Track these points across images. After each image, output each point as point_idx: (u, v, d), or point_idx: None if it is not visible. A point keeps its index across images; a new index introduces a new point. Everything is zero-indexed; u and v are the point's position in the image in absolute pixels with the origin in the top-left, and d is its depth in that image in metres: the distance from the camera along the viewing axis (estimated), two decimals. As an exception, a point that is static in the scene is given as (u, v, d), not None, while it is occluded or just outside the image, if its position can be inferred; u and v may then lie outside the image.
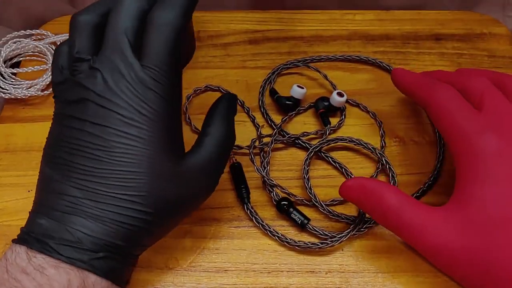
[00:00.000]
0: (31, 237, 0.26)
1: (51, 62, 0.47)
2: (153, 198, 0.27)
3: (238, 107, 0.45)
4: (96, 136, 0.26)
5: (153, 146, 0.27)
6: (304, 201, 0.39)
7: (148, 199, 0.27)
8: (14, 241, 0.27)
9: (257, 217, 0.38)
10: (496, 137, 0.30)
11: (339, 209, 0.38)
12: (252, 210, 0.38)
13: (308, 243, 0.36)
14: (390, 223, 0.32)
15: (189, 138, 0.43)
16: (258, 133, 0.43)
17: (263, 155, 0.41)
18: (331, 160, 0.41)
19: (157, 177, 0.27)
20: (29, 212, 0.28)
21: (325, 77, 0.46)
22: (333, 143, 0.41)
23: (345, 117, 0.44)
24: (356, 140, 0.41)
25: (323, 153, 0.41)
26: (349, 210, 0.39)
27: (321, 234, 0.37)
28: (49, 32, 0.50)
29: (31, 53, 0.49)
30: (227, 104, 0.33)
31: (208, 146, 0.30)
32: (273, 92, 0.45)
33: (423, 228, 0.30)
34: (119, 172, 0.26)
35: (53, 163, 0.28)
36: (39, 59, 0.49)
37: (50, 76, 0.47)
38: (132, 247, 0.28)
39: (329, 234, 0.36)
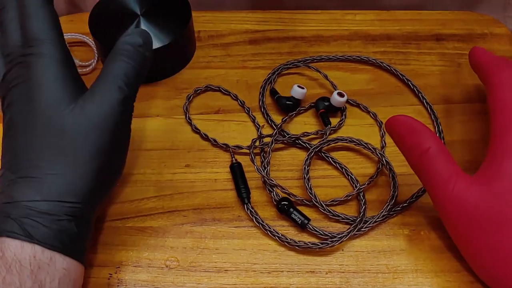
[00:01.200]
0: None
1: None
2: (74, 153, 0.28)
3: (239, 108, 0.45)
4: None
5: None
6: (304, 201, 0.39)
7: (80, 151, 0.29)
8: None
9: (257, 217, 0.38)
10: None
11: (339, 209, 0.38)
12: (252, 210, 0.38)
13: (308, 243, 0.36)
14: (421, 166, 0.33)
15: (189, 138, 0.43)
16: (259, 133, 0.43)
17: (263, 155, 0.41)
18: (331, 160, 0.41)
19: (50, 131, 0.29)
20: None
21: (326, 77, 0.46)
22: (333, 143, 0.41)
23: (345, 117, 0.44)
24: (357, 140, 0.41)
25: (324, 153, 0.41)
26: (349, 210, 0.39)
27: (321, 234, 0.37)
28: (49, 32, 0.50)
29: (32, 53, 0.49)
30: (130, 38, 0.33)
31: (99, 85, 0.32)
32: (273, 92, 0.45)
33: (451, 179, 0.31)
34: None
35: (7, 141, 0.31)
36: (40, 59, 0.49)
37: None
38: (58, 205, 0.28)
39: (329, 234, 0.36)
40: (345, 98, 0.43)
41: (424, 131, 0.33)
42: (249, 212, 0.38)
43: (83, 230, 0.29)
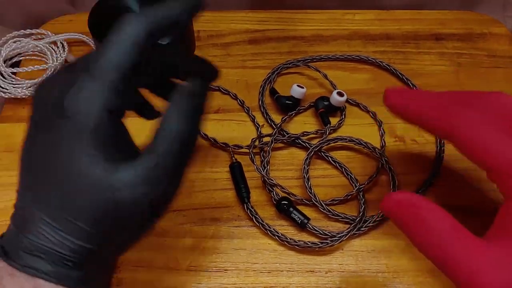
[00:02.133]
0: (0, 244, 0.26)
1: (51, 61, 0.47)
2: (89, 211, 0.25)
3: (239, 107, 0.45)
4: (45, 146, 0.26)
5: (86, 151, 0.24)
6: (304, 200, 0.39)
7: (84, 213, 0.25)
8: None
9: (257, 216, 0.38)
10: None
11: (339, 209, 0.38)
12: (252, 210, 0.38)
13: (308, 243, 0.36)
14: (433, 253, 0.27)
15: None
16: (258, 132, 0.43)
17: (263, 155, 0.41)
18: (331, 160, 0.41)
19: (92, 187, 0.24)
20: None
21: (325, 76, 0.46)
22: (333, 142, 0.41)
23: (345, 116, 0.44)
24: (356, 139, 0.41)
25: (323, 152, 0.41)
26: (349, 210, 0.39)
27: (321, 234, 0.37)
28: (49, 32, 0.50)
29: (31, 52, 0.49)
30: (183, 91, 0.27)
31: (150, 148, 0.25)
32: (273, 92, 0.45)
33: (472, 268, 0.25)
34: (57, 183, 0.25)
35: (21, 166, 0.29)
36: (39, 58, 0.49)
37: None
38: (83, 260, 0.26)
39: (329, 234, 0.36)
40: (344, 98, 0.43)
41: (423, 210, 0.27)
42: (248, 212, 0.38)
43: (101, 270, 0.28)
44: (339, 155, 0.42)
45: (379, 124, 0.43)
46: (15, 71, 0.47)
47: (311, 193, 0.38)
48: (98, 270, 0.28)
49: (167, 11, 0.25)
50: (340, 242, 0.36)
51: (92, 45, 0.49)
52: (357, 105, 0.45)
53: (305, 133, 0.42)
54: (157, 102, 0.46)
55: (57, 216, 0.25)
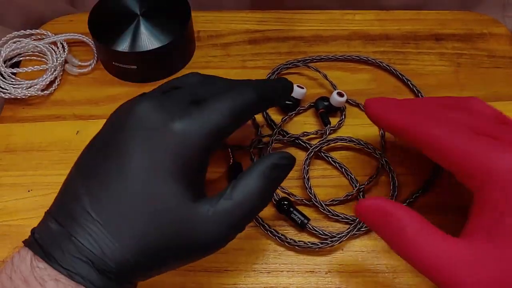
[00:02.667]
0: (37, 242, 0.25)
1: (51, 61, 0.47)
2: (157, 237, 0.25)
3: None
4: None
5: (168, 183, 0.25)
6: (304, 201, 0.39)
7: (145, 238, 0.25)
8: (24, 242, 0.26)
9: (257, 217, 0.38)
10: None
11: (339, 209, 0.38)
12: (252, 210, 0.38)
13: (308, 243, 0.36)
14: (406, 254, 0.27)
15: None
16: (258, 133, 0.43)
17: (263, 155, 0.41)
18: (331, 160, 0.41)
19: (165, 219, 0.25)
20: (45, 211, 0.27)
21: (325, 77, 0.46)
22: (333, 143, 0.41)
23: (345, 117, 0.44)
24: (356, 140, 0.41)
25: (323, 153, 0.41)
26: (349, 210, 0.39)
27: (321, 234, 0.37)
28: (49, 32, 0.50)
29: (31, 53, 0.49)
30: (274, 161, 0.28)
31: (233, 196, 0.26)
32: (273, 92, 0.45)
33: (443, 266, 0.26)
34: (123, 200, 0.25)
35: (80, 164, 0.27)
36: (39, 59, 0.49)
37: (50, 76, 0.47)
38: (126, 275, 0.25)
39: (329, 234, 0.36)
40: (344, 98, 0.43)
41: (396, 214, 0.27)
42: (249, 212, 0.38)
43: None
44: (339, 156, 0.42)
45: (379, 124, 0.43)
46: (15, 71, 0.47)
47: (311, 193, 0.38)
48: (134, 286, 0.27)
49: (273, 87, 0.31)
50: (340, 242, 0.36)
51: (92, 45, 0.49)
52: (357, 105, 0.45)
53: (305, 134, 0.42)
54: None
55: (117, 230, 0.24)
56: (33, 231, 0.26)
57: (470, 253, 0.25)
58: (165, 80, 0.47)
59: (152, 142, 0.25)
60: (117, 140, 0.26)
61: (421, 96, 0.45)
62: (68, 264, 0.24)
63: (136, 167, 0.25)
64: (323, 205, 0.38)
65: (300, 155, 0.42)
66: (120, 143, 0.26)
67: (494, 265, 0.24)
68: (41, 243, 0.25)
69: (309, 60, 0.48)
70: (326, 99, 0.44)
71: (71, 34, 0.49)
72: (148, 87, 0.47)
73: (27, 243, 0.26)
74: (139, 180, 0.25)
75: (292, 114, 0.44)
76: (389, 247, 0.28)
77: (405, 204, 0.38)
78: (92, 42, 0.49)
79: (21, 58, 0.49)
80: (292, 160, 0.30)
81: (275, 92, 0.32)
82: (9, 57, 0.48)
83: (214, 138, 0.26)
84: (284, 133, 0.42)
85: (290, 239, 0.36)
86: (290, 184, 0.40)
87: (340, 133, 0.43)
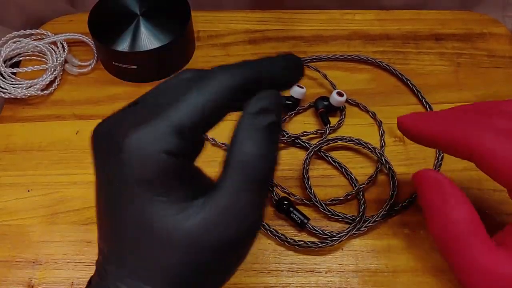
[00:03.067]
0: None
1: (51, 61, 0.47)
2: (169, 265, 0.22)
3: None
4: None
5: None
6: (304, 200, 0.39)
7: (164, 269, 0.22)
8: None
9: (257, 216, 0.38)
10: None
11: (338, 209, 0.38)
12: (252, 210, 0.38)
13: (308, 243, 0.36)
14: (448, 248, 0.26)
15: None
16: (258, 132, 0.43)
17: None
18: (331, 160, 0.41)
19: (168, 240, 0.21)
20: None
21: (325, 76, 0.46)
22: (332, 142, 0.41)
23: (344, 116, 0.44)
24: (356, 139, 0.41)
25: (323, 152, 0.41)
26: (349, 209, 0.39)
27: (321, 234, 0.37)
28: (49, 32, 0.50)
29: (31, 53, 0.49)
30: (251, 111, 0.22)
31: (222, 181, 0.22)
32: (273, 92, 0.45)
33: (485, 275, 0.25)
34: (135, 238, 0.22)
35: (97, 211, 0.25)
36: (39, 59, 0.49)
37: (50, 76, 0.47)
38: None
39: (329, 234, 0.36)
40: (344, 98, 0.43)
41: (454, 195, 0.27)
42: (248, 212, 0.38)
43: None
44: (339, 155, 0.42)
45: (379, 124, 0.43)
46: (15, 71, 0.47)
47: (311, 193, 0.38)
48: None
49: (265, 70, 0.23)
50: (340, 242, 0.36)
51: (92, 45, 0.49)
52: (357, 105, 0.45)
53: (305, 133, 0.42)
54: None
55: (130, 278, 0.22)
56: (90, 278, 0.25)
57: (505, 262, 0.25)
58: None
59: (115, 167, 0.22)
60: (96, 178, 0.24)
61: (421, 96, 0.45)
62: None
63: (116, 202, 0.22)
64: (323, 204, 0.38)
65: (300, 155, 0.42)
66: (98, 181, 0.24)
67: None
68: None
69: (309, 60, 0.48)
70: (326, 98, 0.44)
71: (71, 34, 0.49)
72: (148, 87, 0.46)
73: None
74: (126, 213, 0.22)
75: (292, 114, 0.44)
76: (427, 222, 0.28)
77: (405, 203, 0.38)
78: (92, 42, 0.49)
79: (21, 58, 0.49)
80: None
81: (271, 71, 0.24)
82: (9, 57, 0.48)
83: (173, 139, 0.21)
84: (284, 133, 0.42)
85: (290, 238, 0.36)
86: (290, 184, 0.40)
87: (340, 132, 0.43)
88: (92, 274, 0.25)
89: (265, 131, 0.22)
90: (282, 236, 0.36)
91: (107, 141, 0.23)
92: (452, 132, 0.29)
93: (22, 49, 0.49)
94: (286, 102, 0.44)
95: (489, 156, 0.27)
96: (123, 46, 0.44)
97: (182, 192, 0.22)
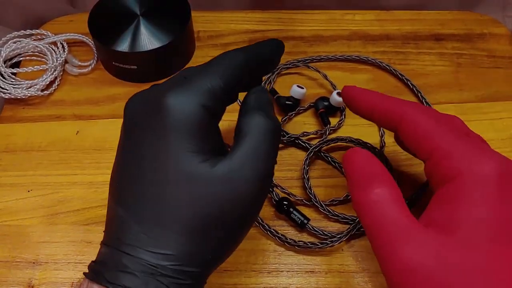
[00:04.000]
0: (91, 268, 0.25)
1: (51, 61, 0.47)
2: (191, 212, 0.24)
3: (238, 107, 0.45)
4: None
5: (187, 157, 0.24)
6: (304, 201, 0.39)
7: (185, 214, 0.24)
8: (84, 273, 0.26)
9: (258, 217, 0.38)
10: (498, 164, 0.25)
11: (339, 209, 0.38)
12: (252, 210, 0.38)
13: (308, 243, 0.36)
14: (369, 219, 0.26)
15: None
16: (258, 133, 0.43)
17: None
18: (331, 160, 0.41)
19: (194, 184, 0.24)
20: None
21: (325, 77, 0.46)
22: (333, 143, 0.41)
23: (345, 117, 0.44)
24: (356, 140, 0.41)
25: (323, 153, 0.41)
26: (349, 210, 0.39)
27: (321, 234, 0.37)
28: (49, 32, 0.50)
29: (31, 53, 0.49)
30: (256, 95, 0.29)
31: (240, 141, 0.26)
32: (273, 92, 0.45)
33: (407, 244, 0.24)
34: (157, 194, 0.24)
35: (111, 182, 0.27)
36: (39, 59, 0.49)
37: (50, 76, 0.47)
38: (181, 267, 0.24)
39: (329, 234, 0.36)
40: (344, 98, 0.43)
41: (378, 172, 0.27)
42: (248, 212, 0.38)
43: None
44: (339, 156, 0.42)
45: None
46: (15, 71, 0.47)
47: (311, 193, 0.38)
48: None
49: (263, 48, 0.30)
50: (340, 242, 0.36)
51: (92, 45, 0.49)
52: (357, 105, 0.45)
53: (305, 134, 0.42)
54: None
55: (155, 230, 0.24)
56: (90, 263, 0.26)
57: (425, 236, 0.24)
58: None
59: (152, 127, 0.25)
60: (126, 142, 0.26)
61: (421, 96, 0.45)
62: (118, 279, 0.23)
63: (149, 162, 0.25)
64: (323, 205, 0.38)
65: (300, 155, 0.42)
66: (125, 146, 0.26)
67: (445, 252, 0.24)
68: (94, 267, 0.25)
69: (309, 60, 0.48)
70: (326, 99, 0.44)
71: (71, 34, 0.49)
72: (147, 87, 0.47)
73: (86, 273, 0.25)
74: (158, 174, 0.24)
75: (292, 114, 0.44)
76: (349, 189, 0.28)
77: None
78: (92, 42, 0.49)
79: (21, 58, 0.49)
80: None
81: (264, 51, 0.30)
82: (9, 57, 0.48)
83: (208, 97, 0.25)
84: (284, 133, 0.42)
85: (290, 239, 0.36)
86: (290, 184, 0.40)
87: (340, 133, 0.43)
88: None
89: (267, 104, 0.28)
90: (282, 237, 0.36)
91: (143, 102, 0.26)
92: (385, 104, 0.31)
93: (22, 49, 0.49)
94: (286, 102, 0.44)
95: (411, 122, 0.28)
96: (123, 46, 0.44)
97: (211, 145, 0.25)
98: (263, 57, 0.30)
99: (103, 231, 0.26)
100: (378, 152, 0.40)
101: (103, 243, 0.26)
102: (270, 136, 0.26)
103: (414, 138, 0.29)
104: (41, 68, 0.47)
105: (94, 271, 0.24)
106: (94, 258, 0.37)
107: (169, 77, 0.28)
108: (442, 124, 0.28)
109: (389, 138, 0.43)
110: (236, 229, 0.26)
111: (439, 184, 0.27)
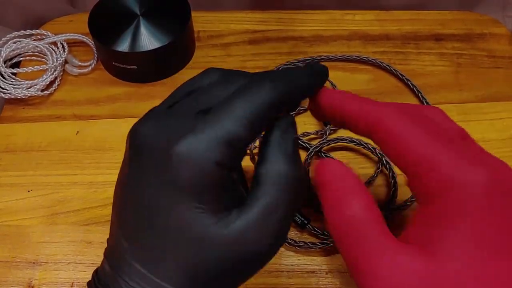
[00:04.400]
0: (93, 283, 0.25)
1: (51, 62, 0.47)
2: (196, 268, 0.23)
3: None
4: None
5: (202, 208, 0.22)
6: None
7: (190, 270, 0.23)
8: (87, 283, 0.25)
9: (257, 217, 0.38)
10: (487, 173, 0.22)
11: (339, 209, 0.38)
12: (252, 210, 0.38)
13: (309, 243, 0.36)
14: (345, 238, 0.23)
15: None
16: (258, 133, 0.43)
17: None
18: (331, 160, 0.41)
19: (203, 245, 0.22)
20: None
21: (325, 77, 0.46)
22: (333, 143, 0.41)
23: (345, 117, 0.44)
24: (356, 140, 0.41)
25: (323, 153, 0.41)
26: (349, 210, 0.39)
27: (321, 234, 0.37)
28: (49, 32, 0.50)
29: (31, 53, 0.49)
30: (283, 129, 0.24)
31: (256, 197, 0.23)
32: (273, 92, 0.45)
33: (384, 266, 0.22)
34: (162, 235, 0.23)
35: (114, 203, 0.26)
36: (39, 59, 0.49)
37: (50, 76, 0.47)
38: None
39: (329, 234, 0.36)
40: (344, 98, 0.43)
41: (353, 187, 0.24)
42: (249, 212, 0.38)
43: None
44: (339, 156, 0.42)
45: (379, 124, 0.43)
46: (15, 71, 0.47)
47: (311, 193, 0.38)
48: None
49: (299, 81, 0.25)
50: (340, 242, 0.36)
51: (92, 45, 0.49)
52: (357, 105, 0.45)
53: (305, 134, 0.42)
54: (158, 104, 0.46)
55: (159, 277, 0.23)
56: (95, 270, 0.25)
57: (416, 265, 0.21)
58: (164, 80, 0.48)
59: (161, 176, 0.23)
60: (130, 177, 0.24)
61: (421, 96, 0.45)
62: None
63: (153, 204, 0.23)
64: (323, 205, 0.38)
65: (300, 155, 0.42)
66: (133, 180, 0.24)
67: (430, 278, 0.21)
68: (96, 283, 0.24)
69: (309, 60, 0.48)
70: (326, 99, 0.44)
71: (71, 34, 0.49)
72: (148, 87, 0.47)
73: (88, 283, 0.25)
74: (162, 216, 0.23)
75: (292, 115, 0.44)
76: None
77: (405, 204, 0.38)
78: (92, 42, 0.49)
79: (21, 58, 0.49)
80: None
81: (301, 85, 0.25)
82: (9, 57, 0.48)
83: (226, 150, 0.22)
84: (284, 133, 0.42)
85: (291, 239, 0.36)
86: (290, 184, 0.40)
87: (340, 133, 0.43)
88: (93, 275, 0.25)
89: (293, 147, 0.24)
90: (282, 237, 0.36)
91: (151, 145, 0.23)
92: (360, 104, 0.25)
93: (22, 49, 0.49)
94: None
95: (389, 130, 0.24)
96: (123, 46, 0.44)
97: (223, 203, 0.22)
98: (300, 91, 0.25)
99: (107, 241, 0.26)
100: (379, 152, 0.40)
101: (106, 258, 0.25)
102: (293, 191, 0.23)
103: (390, 150, 0.24)
104: (41, 68, 0.47)
105: (99, 284, 0.24)
106: (94, 258, 0.37)
107: (176, 89, 0.26)
108: (420, 127, 0.24)
109: (389, 138, 0.43)
110: (242, 279, 0.25)
111: (422, 198, 0.24)
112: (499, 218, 0.22)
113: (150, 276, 0.23)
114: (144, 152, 0.23)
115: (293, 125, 0.25)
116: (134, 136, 0.24)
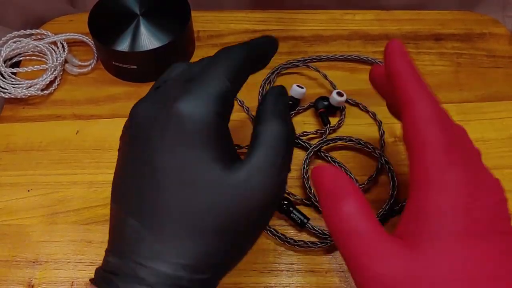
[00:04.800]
0: (100, 277, 0.25)
1: (51, 61, 0.47)
2: (210, 219, 0.24)
3: (238, 107, 0.45)
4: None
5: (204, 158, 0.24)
6: (304, 200, 0.39)
7: (203, 221, 0.24)
8: (90, 280, 0.25)
9: (257, 216, 0.38)
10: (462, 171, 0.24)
11: (338, 209, 0.38)
12: (252, 210, 0.38)
13: (308, 243, 0.36)
14: (339, 233, 0.25)
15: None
16: (258, 132, 0.43)
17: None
18: (330, 160, 0.41)
19: (214, 191, 0.24)
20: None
21: (325, 76, 0.46)
22: (332, 142, 0.41)
23: (344, 116, 0.44)
24: (356, 139, 0.41)
25: (323, 152, 0.41)
26: (349, 209, 0.39)
27: (320, 234, 0.37)
28: (49, 32, 0.50)
29: (31, 52, 0.49)
30: (274, 98, 0.29)
31: (257, 148, 0.26)
32: (273, 92, 0.45)
33: (375, 258, 0.23)
34: (170, 194, 0.24)
35: (116, 193, 0.27)
36: (39, 58, 0.49)
37: (50, 76, 0.47)
38: (197, 275, 0.24)
39: (329, 234, 0.36)
40: (344, 98, 0.43)
41: (345, 185, 0.25)
42: (248, 212, 0.38)
43: None
44: (338, 155, 0.42)
45: (379, 124, 0.43)
46: (15, 71, 0.47)
47: (310, 193, 0.38)
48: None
49: (261, 45, 0.30)
50: (340, 242, 0.36)
51: (92, 45, 0.49)
52: (357, 105, 0.45)
53: (304, 133, 0.42)
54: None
55: (173, 240, 0.23)
56: (97, 269, 0.26)
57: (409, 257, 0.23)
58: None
59: (167, 136, 0.24)
60: (133, 153, 0.26)
61: (421, 96, 0.45)
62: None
63: (167, 172, 0.24)
64: (323, 204, 0.38)
65: (299, 155, 0.42)
66: (137, 154, 0.25)
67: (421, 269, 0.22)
68: (103, 276, 0.24)
69: (309, 60, 0.48)
70: (326, 99, 0.44)
71: (71, 34, 0.49)
72: (148, 87, 0.46)
73: (93, 280, 0.25)
74: (173, 177, 0.24)
75: (292, 114, 0.44)
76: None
77: (405, 203, 0.38)
78: (92, 42, 0.49)
79: (21, 58, 0.49)
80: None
81: (261, 47, 0.31)
82: (9, 57, 0.48)
83: (221, 103, 0.25)
84: (284, 133, 0.42)
85: (290, 238, 0.36)
86: (290, 184, 0.40)
87: (340, 132, 0.43)
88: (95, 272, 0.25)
89: (285, 108, 0.28)
90: (282, 236, 0.37)
91: (152, 116, 0.25)
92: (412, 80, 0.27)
93: (22, 49, 0.49)
94: (286, 102, 0.44)
95: (412, 106, 0.27)
96: (123, 46, 0.44)
97: (229, 152, 0.25)
98: (261, 53, 0.30)
99: (108, 240, 0.26)
100: (378, 152, 0.40)
101: (110, 252, 0.25)
102: (285, 144, 0.26)
103: (410, 127, 0.27)
104: (41, 68, 0.47)
105: (105, 280, 0.24)
106: (94, 258, 0.37)
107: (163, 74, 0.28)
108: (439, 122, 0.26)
109: (389, 138, 0.43)
110: (249, 234, 0.26)
111: (410, 192, 0.25)
112: (477, 211, 0.23)
113: (165, 251, 0.23)
114: (146, 124, 0.25)
115: (283, 91, 0.30)
116: (133, 115, 0.26)
